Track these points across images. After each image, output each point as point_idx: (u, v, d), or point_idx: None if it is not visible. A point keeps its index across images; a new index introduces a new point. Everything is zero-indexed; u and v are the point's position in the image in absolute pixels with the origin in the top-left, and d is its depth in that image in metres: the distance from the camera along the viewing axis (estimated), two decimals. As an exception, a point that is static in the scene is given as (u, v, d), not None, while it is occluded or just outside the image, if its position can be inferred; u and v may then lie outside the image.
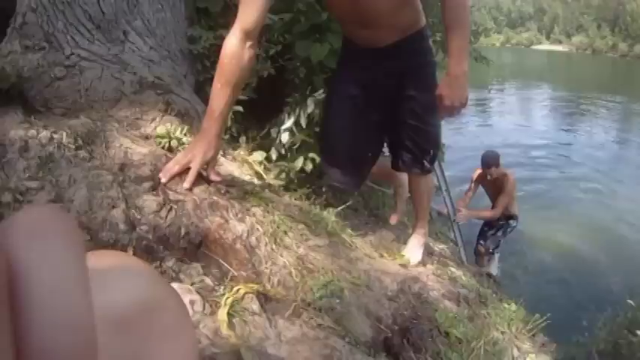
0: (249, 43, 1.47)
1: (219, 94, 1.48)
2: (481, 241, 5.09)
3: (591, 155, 10.96)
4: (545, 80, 27.76)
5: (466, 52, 1.68)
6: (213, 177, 1.55)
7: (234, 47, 1.45)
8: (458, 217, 4.48)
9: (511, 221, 5.08)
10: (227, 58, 1.47)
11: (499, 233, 5.07)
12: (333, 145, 2.11)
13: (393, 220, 2.58)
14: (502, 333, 1.94)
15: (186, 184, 1.42)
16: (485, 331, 1.79)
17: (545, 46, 68.24)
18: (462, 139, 10.14)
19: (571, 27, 69.06)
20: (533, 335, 2.12)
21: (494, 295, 2.46)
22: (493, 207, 4.97)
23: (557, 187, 8.49)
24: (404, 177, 2.38)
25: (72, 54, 2.06)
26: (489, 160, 4.84)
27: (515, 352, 1.88)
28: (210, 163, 1.52)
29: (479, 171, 5.05)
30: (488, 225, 5.10)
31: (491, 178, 4.85)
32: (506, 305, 2.32)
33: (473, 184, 5.20)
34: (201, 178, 1.50)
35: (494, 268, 4.88)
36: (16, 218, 0.18)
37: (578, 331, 2.53)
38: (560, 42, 68.54)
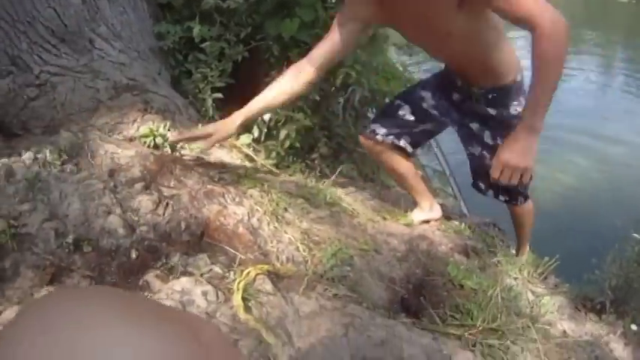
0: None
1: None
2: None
3: (576, 90, 10.88)
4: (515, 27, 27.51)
5: (544, 108, 1.43)
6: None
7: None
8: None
9: None
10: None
11: None
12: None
13: None
14: (515, 279, 1.92)
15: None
16: (499, 279, 1.77)
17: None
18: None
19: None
20: (545, 278, 2.11)
21: (501, 243, 2.46)
22: None
23: (545, 127, 8.37)
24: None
25: (41, 72, 2.02)
26: None
27: (530, 296, 1.86)
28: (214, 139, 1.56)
29: None
30: None
31: None
32: (514, 251, 2.31)
33: None
34: (192, 169, 1.48)
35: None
36: None
37: (588, 269, 2.52)
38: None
